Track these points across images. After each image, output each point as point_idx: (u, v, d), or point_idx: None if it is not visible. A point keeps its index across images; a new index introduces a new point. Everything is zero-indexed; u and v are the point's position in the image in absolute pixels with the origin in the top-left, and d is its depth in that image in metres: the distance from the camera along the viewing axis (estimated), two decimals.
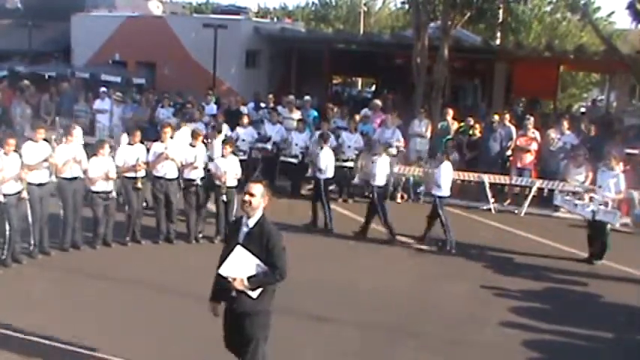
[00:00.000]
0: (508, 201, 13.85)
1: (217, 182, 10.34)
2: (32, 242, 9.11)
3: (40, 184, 9.06)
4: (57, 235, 9.55)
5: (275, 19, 29.72)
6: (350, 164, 13.70)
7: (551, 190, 12.79)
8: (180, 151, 10.34)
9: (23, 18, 23.36)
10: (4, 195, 8.57)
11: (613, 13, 51.57)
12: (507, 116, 14.44)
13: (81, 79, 20.39)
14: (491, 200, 13.31)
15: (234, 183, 10.43)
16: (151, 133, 13.31)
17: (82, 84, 19.66)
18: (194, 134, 10.75)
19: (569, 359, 7.15)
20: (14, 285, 8.20)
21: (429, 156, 14.05)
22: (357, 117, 14.64)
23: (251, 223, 5.13)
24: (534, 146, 13.67)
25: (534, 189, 13.22)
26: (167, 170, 10.20)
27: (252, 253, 5.04)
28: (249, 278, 5.02)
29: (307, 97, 16.34)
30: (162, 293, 8.06)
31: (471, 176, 13.48)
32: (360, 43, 22.95)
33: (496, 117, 14.15)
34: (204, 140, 11.34)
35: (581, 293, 9.03)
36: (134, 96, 17.70)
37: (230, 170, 10.34)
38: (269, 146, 14.27)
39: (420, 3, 16.79)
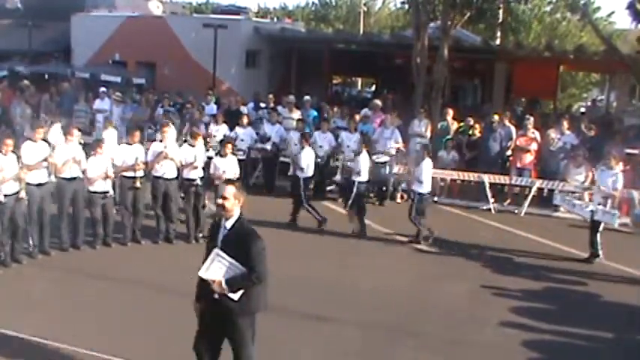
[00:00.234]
0: (508, 201, 13.84)
1: (217, 182, 10.34)
2: (31, 242, 9.11)
3: (39, 184, 9.05)
4: (57, 235, 9.54)
5: (275, 19, 29.74)
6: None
7: (551, 190, 12.81)
8: (177, 152, 10.31)
9: (23, 18, 23.37)
10: (4, 195, 8.55)
11: (613, 13, 51.74)
12: (507, 115, 14.44)
13: (81, 79, 20.41)
14: (491, 200, 13.30)
15: None
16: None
17: (82, 84, 19.69)
18: (194, 134, 10.73)
19: (569, 359, 7.15)
20: (14, 285, 8.20)
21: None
22: (357, 117, 14.65)
23: (228, 225, 5.10)
24: (534, 146, 13.66)
25: (534, 189, 13.21)
26: (166, 170, 10.19)
27: (231, 255, 5.00)
28: (227, 281, 4.98)
29: (307, 97, 16.34)
30: (162, 293, 8.05)
31: (471, 176, 13.48)
32: (359, 43, 22.96)
33: (496, 117, 14.14)
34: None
35: (581, 293, 9.03)
36: (134, 96, 17.72)
37: (229, 170, 10.34)
38: (268, 146, 14.28)
39: (420, 3, 16.77)
